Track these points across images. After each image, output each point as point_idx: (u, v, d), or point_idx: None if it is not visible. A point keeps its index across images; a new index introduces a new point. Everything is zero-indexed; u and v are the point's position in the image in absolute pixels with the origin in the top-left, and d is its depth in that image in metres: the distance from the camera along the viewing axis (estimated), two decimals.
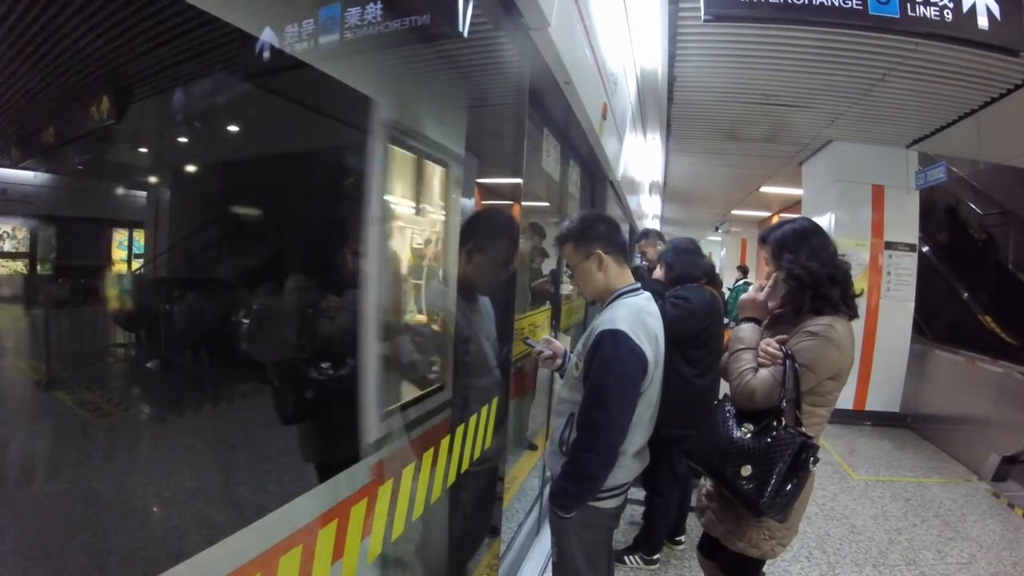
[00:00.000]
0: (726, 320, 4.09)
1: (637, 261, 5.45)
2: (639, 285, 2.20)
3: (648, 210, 14.09)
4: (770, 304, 2.24)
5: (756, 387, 2.02)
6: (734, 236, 19.29)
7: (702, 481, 2.51)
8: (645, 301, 2.16)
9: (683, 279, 3.57)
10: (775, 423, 1.94)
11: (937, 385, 7.14)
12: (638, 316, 2.04)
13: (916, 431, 7.28)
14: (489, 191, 2.78)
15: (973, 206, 9.35)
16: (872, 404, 7.46)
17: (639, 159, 8.21)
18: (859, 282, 7.27)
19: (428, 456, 1.87)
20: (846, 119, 6.47)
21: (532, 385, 4.48)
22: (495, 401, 2.35)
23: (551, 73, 2.77)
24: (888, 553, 4.16)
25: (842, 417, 7.33)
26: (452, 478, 2.04)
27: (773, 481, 1.89)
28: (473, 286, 2.36)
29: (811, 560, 4.00)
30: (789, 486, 1.91)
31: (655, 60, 5.34)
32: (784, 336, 2.09)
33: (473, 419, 2.18)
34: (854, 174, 7.45)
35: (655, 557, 3.74)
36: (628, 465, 2.13)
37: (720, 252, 22.07)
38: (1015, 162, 7.16)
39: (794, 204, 10.71)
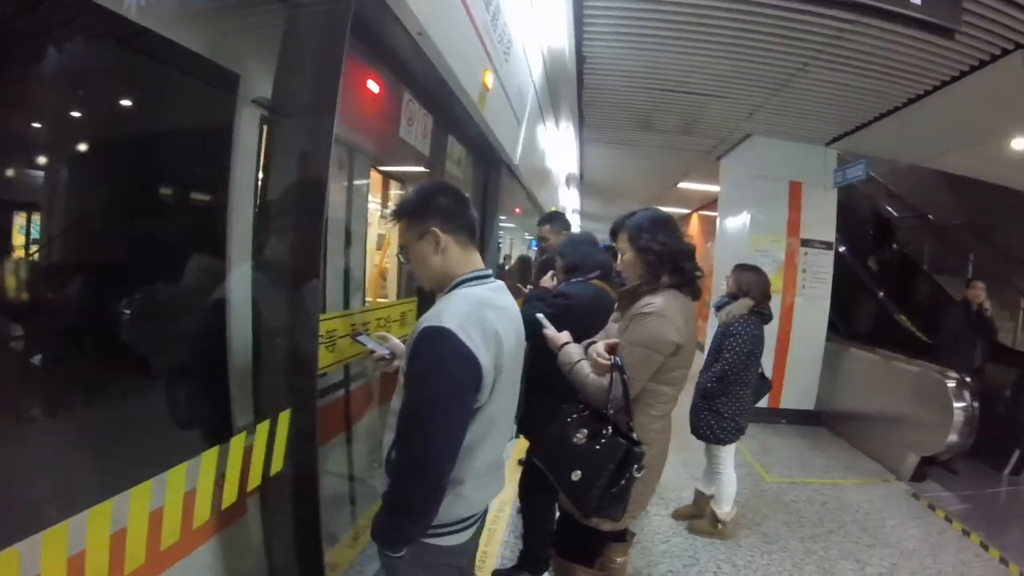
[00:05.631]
0: None
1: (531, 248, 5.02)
2: (489, 272, 1.76)
3: (566, 204, 13.93)
4: (627, 283, 2.44)
5: (590, 392, 2.19)
6: None
7: None
8: (491, 292, 1.72)
9: (575, 268, 3.17)
10: (604, 430, 2.06)
11: (852, 383, 7.04)
12: (473, 310, 1.60)
13: (831, 429, 7.18)
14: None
15: (889, 208, 9.45)
16: (787, 402, 7.31)
17: (551, 147, 7.90)
18: (774, 279, 7.13)
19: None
20: (765, 112, 6.24)
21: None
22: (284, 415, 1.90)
23: (396, 19, 2.32)
24: (803, 565, 3.88)
25: (756, 415, 6.98)
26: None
27: (596, 487, 2.00)
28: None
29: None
30: (615, 489, 2.02)
31: (562, 37, 4.96)
32: (614, 341, 2.24)
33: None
34: (772, 170, 7.28)
35: None
36: (469, 496, 1.67)
37: None
38: (935, 163, 7.18)
39: (712, 201, 10.59)
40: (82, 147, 1.78)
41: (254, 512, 2.16)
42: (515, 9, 3.96)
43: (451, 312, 1.56)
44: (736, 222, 7.88)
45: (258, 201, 2.13)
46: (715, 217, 9.15)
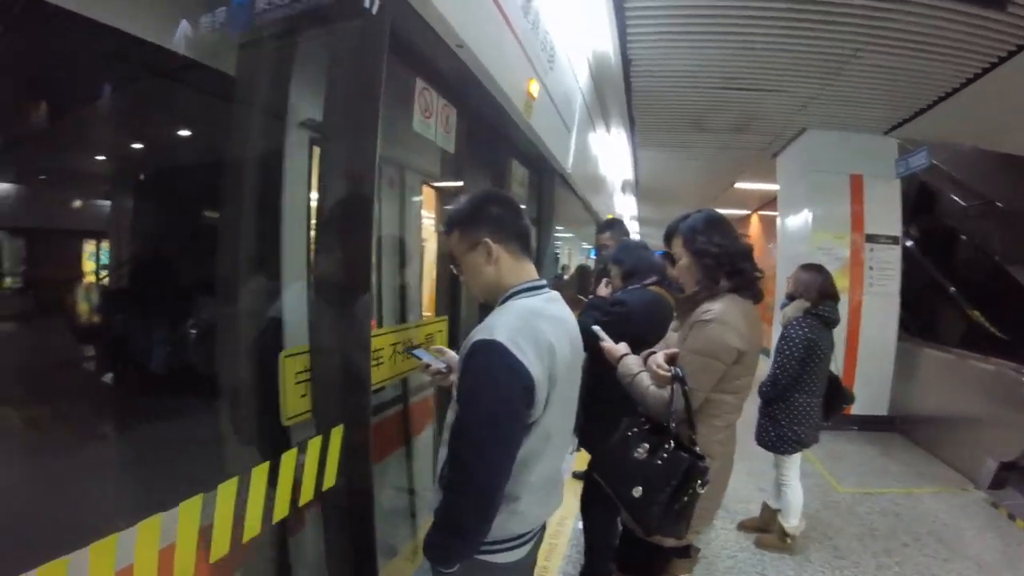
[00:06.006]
0: None
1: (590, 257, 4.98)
2: (543, 283, 1.72)
3: (624, 210, 13.77)
4: (684, 290, 2.33)
5: (651, 404, 2.10)
6: None
7: None
8: (544, 302, 1.67)
9: (633, 274, 3.10)
10: (666, 444, 1.95)
11: (926, 385, 6.66)
12: (525, 322, 1.55)
13: (905, 435, 6.80)
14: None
15: (955, 197, 8.96)
16: (858, 407, 6.71)
17: (603, 154, 7.83)
18: (839, 278, 6.82)
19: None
20: (819, 104, 6.01)
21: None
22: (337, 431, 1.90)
23: (434, 32, 2.32)
24: None
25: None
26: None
27: (657, 504, 1.91)
28: None
29: None
30: (677, 506, 1.92)
31: (606, 41, 4.90)
32: (674, 351, 2.16)
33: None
34: (830, 164, 6.98)
35: None
36: (525, 511, 1.63)
37: None
38: (999, 144, 6.80)
39: (771, 201, 10.27)
40: (147, 176, 1.85)
41: (309, 527, 2.17)
42: (555, 15, 3.92)
43: (502, 324, 1.53)
44: (797, 220, 7.58)
45: (309, 220, 2.16)
46: (775, 217, 8.87)
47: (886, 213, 7.04)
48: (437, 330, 3.13)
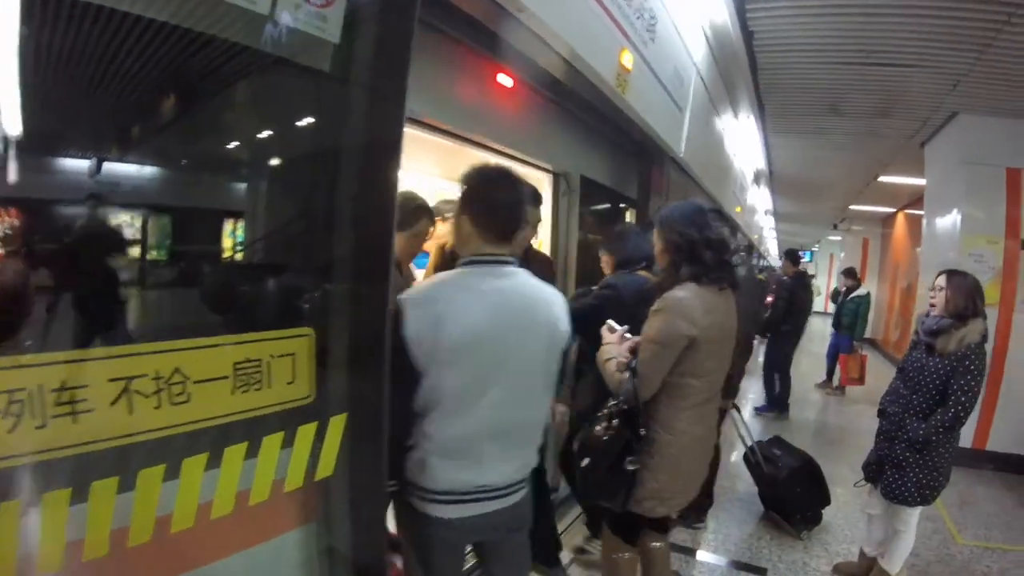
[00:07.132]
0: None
1: None
2: (490, 259, 1.82)
3: (757, 204, 12.89)
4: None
5: (612, 386, 2.30)
6: (855, 235, 17.39)
7: None
8: (466, 276, 1.81)
9: (627, 263, 3.11)
10: (612, 421, 2.21)
11: None
12: (431, 284, 1.85)
13: None
14: None
15: None
16: (995, 443, 5.95)
17: (729, 139, 7.30)
18: (990, 291, 5.93)
19: None
20: (970, 82, 5.15)
21: None
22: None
23: None
24: None
25: (957, 456, 5.83)
26: None
27: (595, 474, 2.23)
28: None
29: None
30: (615, 478, 2.21)
31: (721, 10, 4.43)
32: (639, 339, 2.28)
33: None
34: (984, 155, 6.01)
35: None
36: (432, 468, 1.76)
37: (839, 254, 20.26)
38: None
39: (920, 198, 9.14)
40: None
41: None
42: None
43: (420, 285, 1.91)
44: (945, 221, 6.64)
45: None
46: (922, 216, 7.87)
47: None
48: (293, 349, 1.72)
